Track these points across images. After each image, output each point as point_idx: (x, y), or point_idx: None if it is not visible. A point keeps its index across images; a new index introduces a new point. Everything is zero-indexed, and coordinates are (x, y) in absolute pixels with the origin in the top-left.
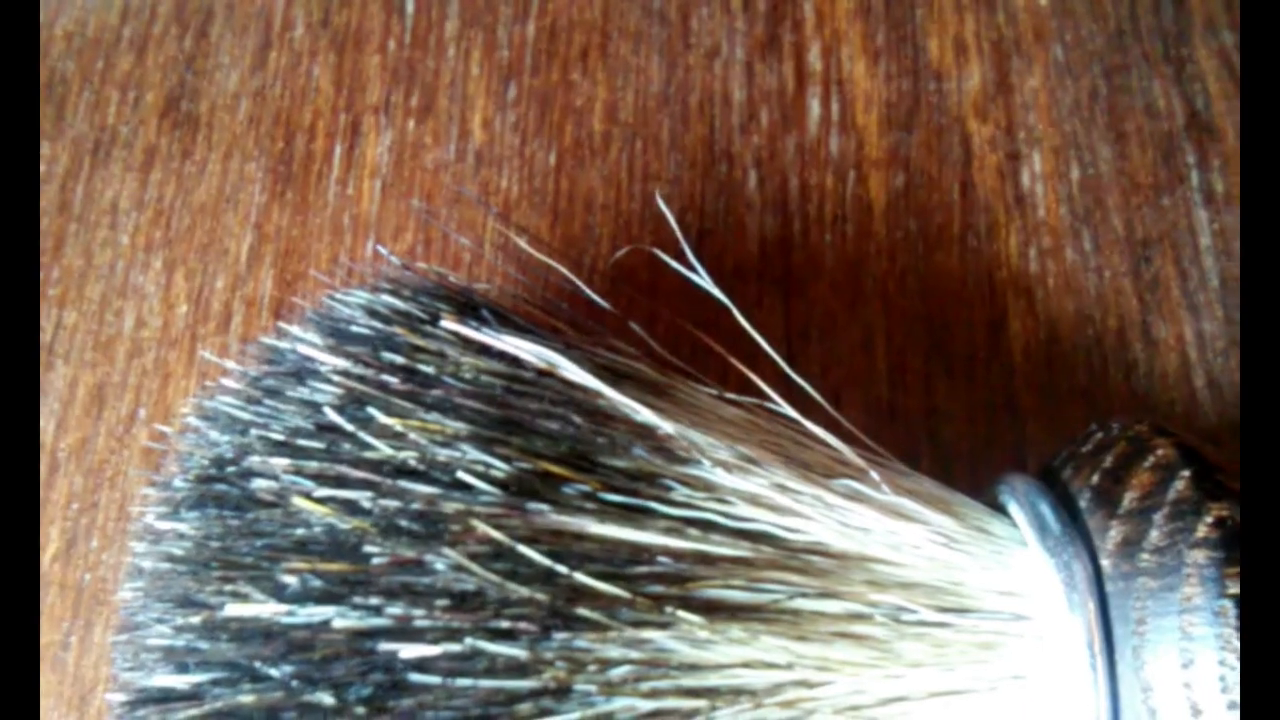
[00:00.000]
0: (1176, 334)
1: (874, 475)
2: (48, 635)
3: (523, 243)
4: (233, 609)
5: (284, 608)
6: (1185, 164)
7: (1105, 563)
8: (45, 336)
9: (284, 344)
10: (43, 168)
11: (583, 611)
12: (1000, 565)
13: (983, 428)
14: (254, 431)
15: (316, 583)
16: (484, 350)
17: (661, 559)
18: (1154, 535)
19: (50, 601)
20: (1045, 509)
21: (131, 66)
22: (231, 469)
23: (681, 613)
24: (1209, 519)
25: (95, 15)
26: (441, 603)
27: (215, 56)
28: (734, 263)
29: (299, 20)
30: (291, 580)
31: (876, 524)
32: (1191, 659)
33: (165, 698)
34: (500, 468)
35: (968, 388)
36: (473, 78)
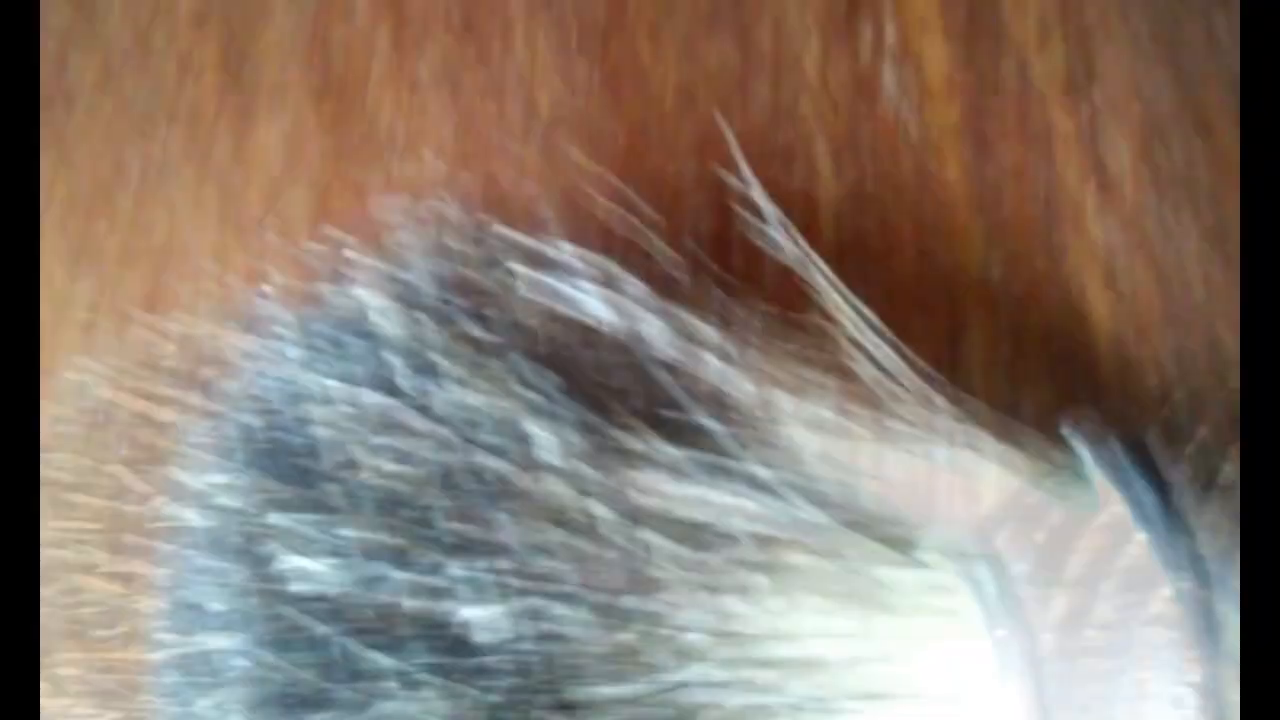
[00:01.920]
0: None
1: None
2: None
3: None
4: (288, 563)
5: (341, 562)
6: None
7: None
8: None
9: (342, 286)
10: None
11: (655, 575)
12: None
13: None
14: (311, 376)
15: (375, 537)
16: (556, 300)
17: (738, 522)
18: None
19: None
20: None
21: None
22: (287, 418)
23: (759, 578)
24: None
25: None
26: (506, 562)
27: None
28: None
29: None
30: (349, 534)
31: None
32: None
33: (217, 657)
34: (571, 422)
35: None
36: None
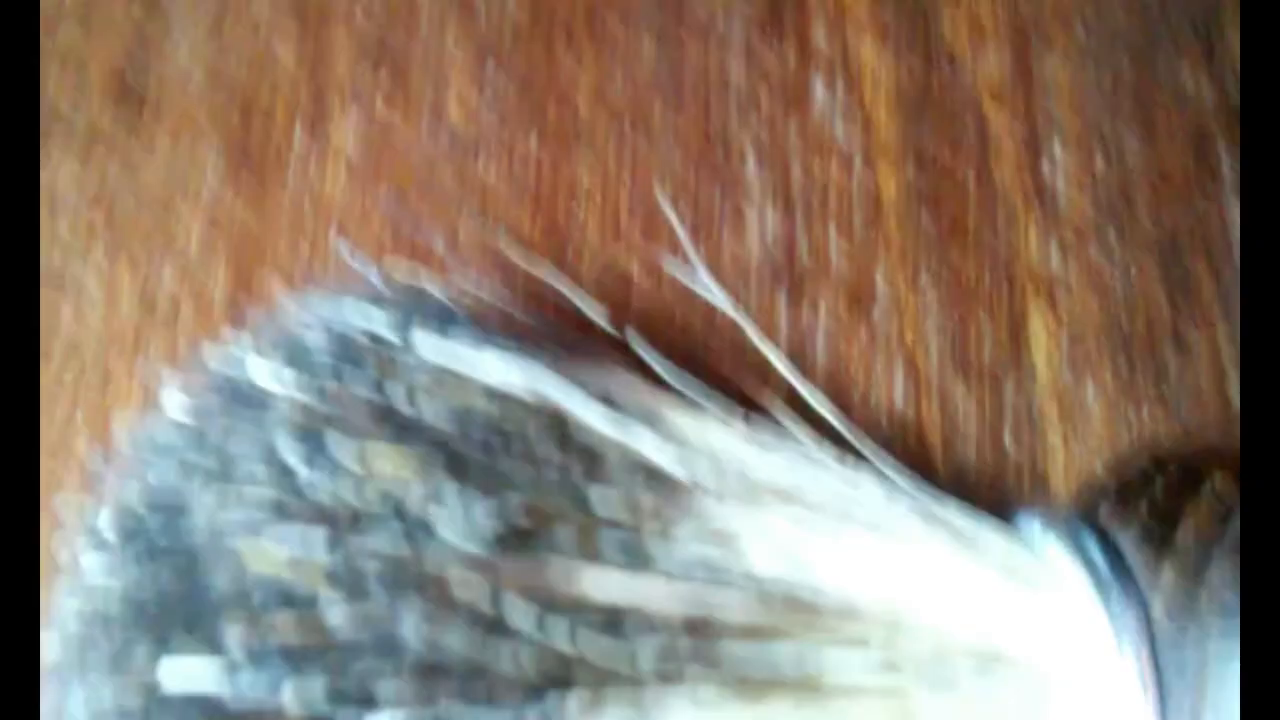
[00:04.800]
0: (1209, 338)
1: (899, 508)
2: None
3: (502, 238)
4: (168, 673)
5: (227, 669)
6: (1217, 155)
7: (1158, 607)
8: None
9: (231, 360)
10: None
11: (574, 672)
12: (1041, 610)
13: (1001, 436)
14: (193, 462)
15: (264, 642)
16: (460, 370)
17: (664, 612)
18: (1213, 576)
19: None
20: (1090, 545)
21: (75, 39)
22: (168, 506)
23: (686, 671)
24: None
25: None
26: (409, 667)
27: (166, 26)
28: (732, 258)
29: None
30: (235, 638)
31: (903, 568)
32: None
33: None
34: (478, 513)
35: (984, 393)
36: (449, 53)
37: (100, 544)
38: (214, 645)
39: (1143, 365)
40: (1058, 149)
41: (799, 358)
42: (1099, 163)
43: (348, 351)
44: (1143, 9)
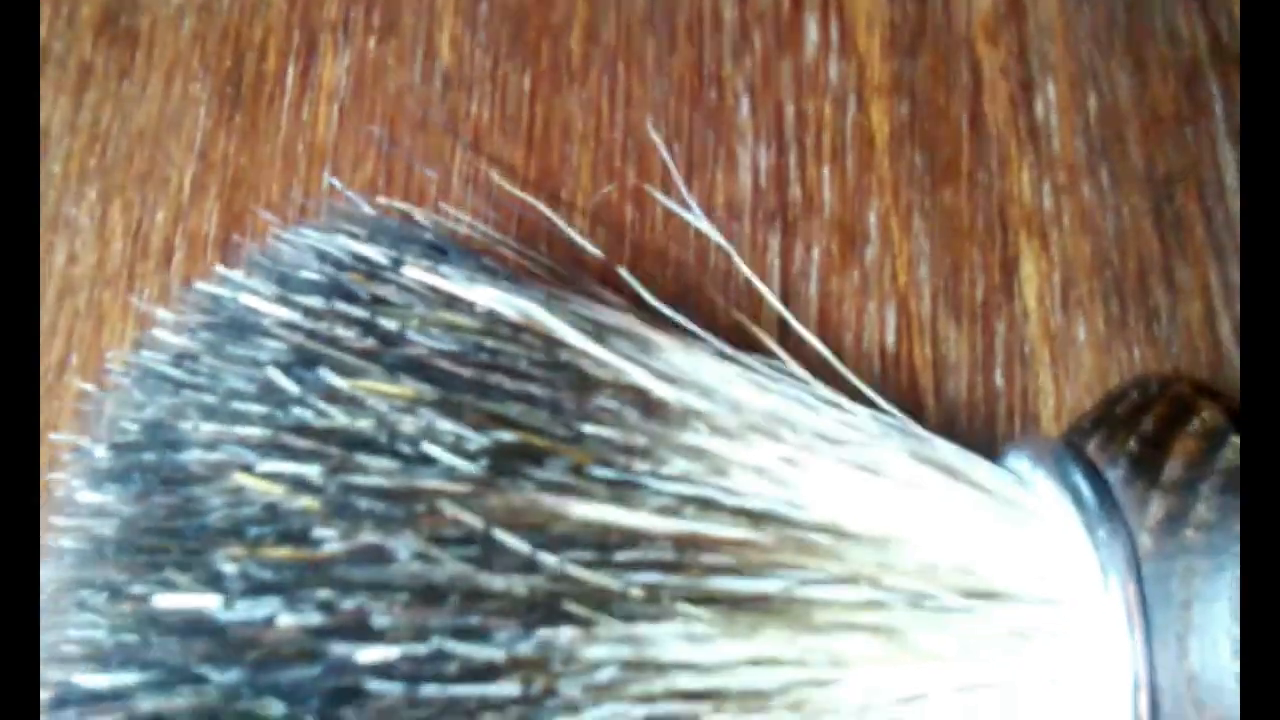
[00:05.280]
0: (1200, 277)
1: (890, 443)
2: None
3: (496, 176)
4: (164, 600)
5: (222, 600)
6: (1209, 94)
7: (1145, 540)
8: None
9: (225, 292)
10: None
11: (566, 605)
12: (1029, 543)
13: (994, 377)
14: (188, 393)
15: (259, 572)
16: (453, 301)
17: (655, 544)
18: (1201, 509)
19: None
20: (1078, 478)
21: None
22: (162, 436)
23: (677, 605)
24: None
25: None
26: (403, 597)
27: None
28: (725, 198)
29: None
30: (231, 569)
31: (891, 499)
32: None
33: (88, 698)
34: (472, 439)
35: (976, 334)
36: None
37: (96, 476)
38: (210, 575)
39: (1134, 304)
40: (1051, 89)
41: (792, 297)
42: (1092, 102)
43: (341, 282)
44: None
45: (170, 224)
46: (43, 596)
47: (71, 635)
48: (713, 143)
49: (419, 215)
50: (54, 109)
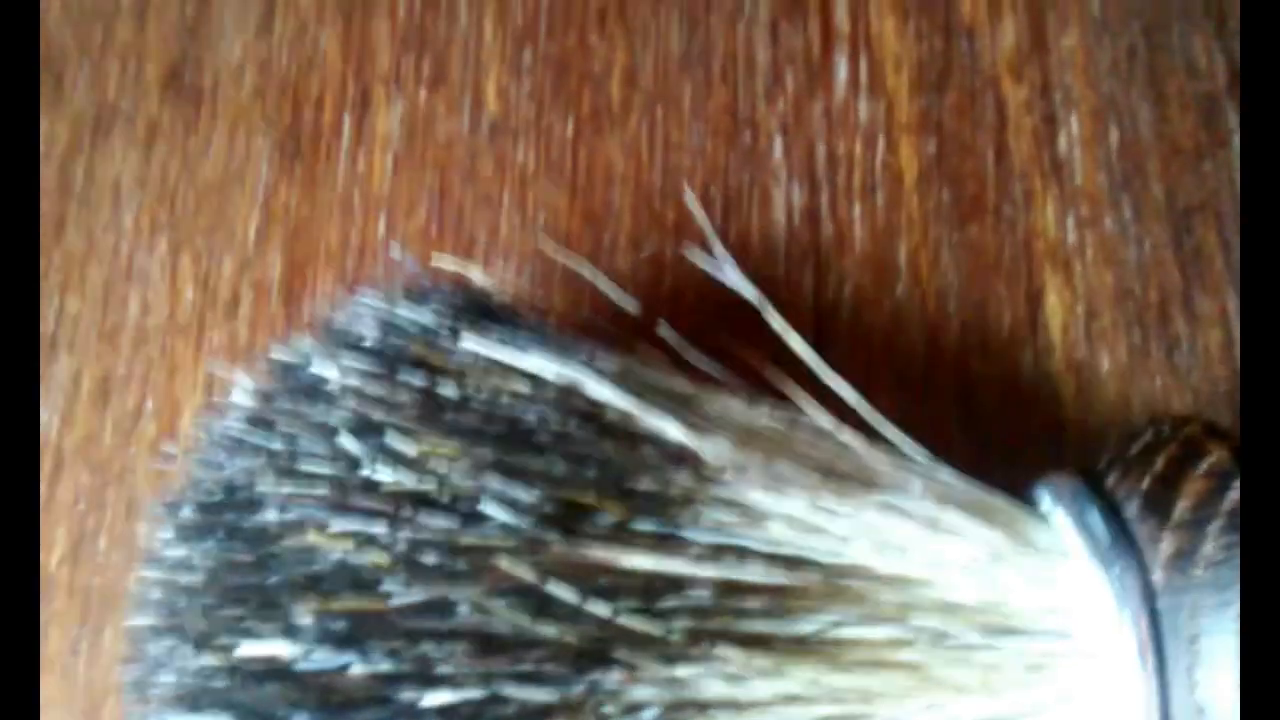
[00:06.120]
0: (1219, 307)
1: (915, 487)
2: (55, 643)
3: (541, 236)
4: (246, 649)
5: (300, 649)
6: (1227, 127)
7: (1157, 576)
8: (48, 326)
9: (296, 359)
10: (41, 147)
11: (612, 650)
12: (1046, 579)
13: (1019, 408)
14: (264, 456)
15: (333, 623)
16: (505, 367)
17: (694, 590)
18: (1208, 548)
19: (57, 607)
20: (1094, 517)
21: (132, 36)
22: (241, 496)
23: (715, 648)
24: None
25: None
26: (464, 646)
27: (218, 24)
28: (759, 236)
29: None
30: (307, 620)
31: (916, 541)
32: None
33: None
34: (524, 498)
35: (1003, 366)
36: (486, 43)
37: (181, 529)
38: (288, 625)
39: (1155, 334)
40: (1074, 123)
41: (825, 332)
42: (1113, 136)
43: (402, 350)
44: None
45: (237, 273)
46: (132, 642)
47: (162, 680)
48: (748, 183)
49: (471, 269)
50: (124, 164)
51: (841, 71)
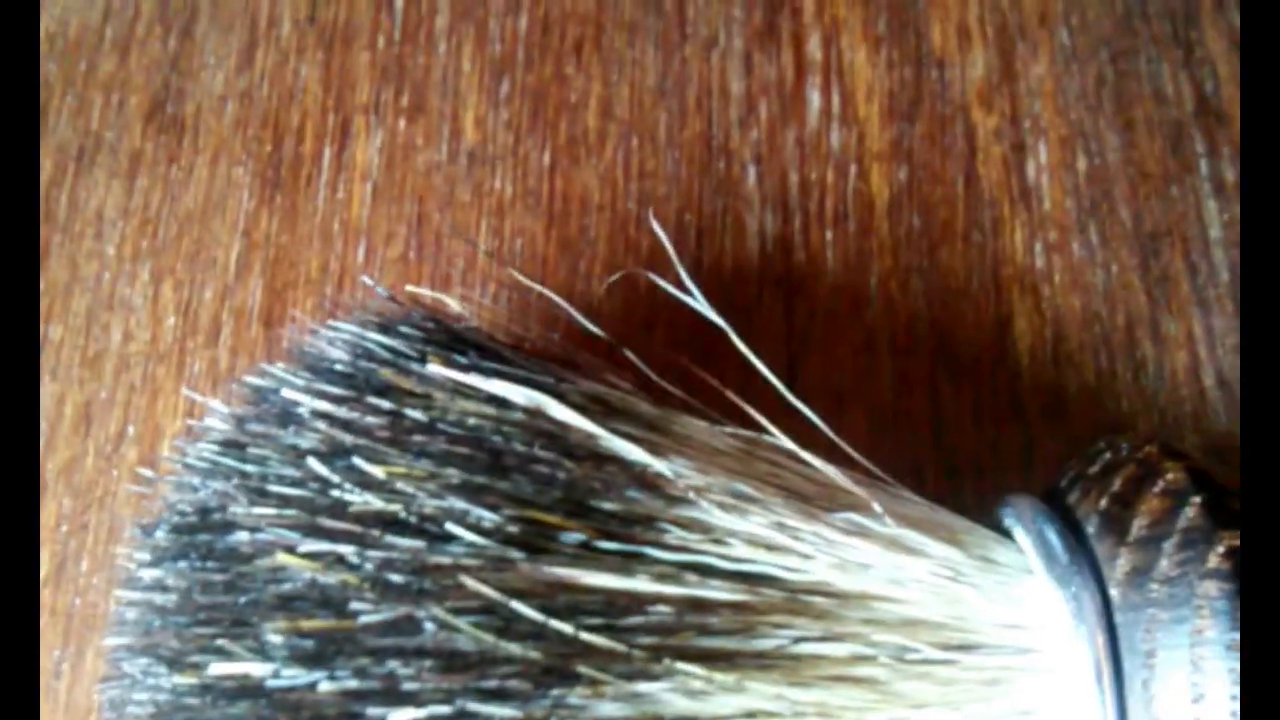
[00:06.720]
0: (1186, 330)
1: (876, 506)
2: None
3: (513, 270)
4: (219, 668)
5: (270, 668)
6: (1195, 152)
7: (1114, 592)
8: None
9: (268, 384)
10: None
11: (576, 667)
12: (1006, 597)
13: (989, 431)
14: (236, 479)
15: (303, 642)
16: (473, 391)
17: (657, 608)
18: (1164, 565)
19: (39, 628)
20: (1052, 535)
21: (115, 68)
22: (214, 518)
23: (678, 664)
24: (1220, 549)
25: (77, 15)
26: (430, 663)
27: (200, 56)
28: (733, 263)
29: (285, 17)
30: (277, 639)
31: (878, 559)
32: (1202, 694)
33: None
34: (489, 518)
35: (973, 390)
36: (464, 74)
37: (156, 551)
38: (259, 644)
39: (1122, 357)
40: (1042, 151)
41: (798, 356)
42: (1081, 163)
43: (372, 376)
44: (1124, 12)
45: (218, 301)
46: (109, 662)
47: (137, 698)
48: (721, 210)
49: (445, 298)
50: (107, 194)
51: (814, 101)
